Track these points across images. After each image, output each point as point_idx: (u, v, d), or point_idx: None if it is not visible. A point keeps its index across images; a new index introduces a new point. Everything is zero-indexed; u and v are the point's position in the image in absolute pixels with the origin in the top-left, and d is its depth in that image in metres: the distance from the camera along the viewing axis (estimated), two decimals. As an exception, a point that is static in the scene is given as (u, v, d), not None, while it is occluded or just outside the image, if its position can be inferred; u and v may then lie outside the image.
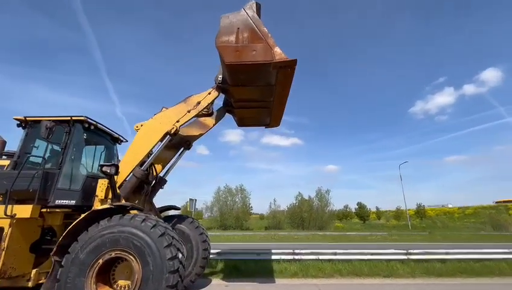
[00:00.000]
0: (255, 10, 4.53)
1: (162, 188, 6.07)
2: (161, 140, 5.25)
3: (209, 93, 5.37)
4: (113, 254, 3.66)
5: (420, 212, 52.10)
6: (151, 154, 5.33)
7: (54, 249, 3.81)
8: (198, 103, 5.31)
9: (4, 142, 5.69)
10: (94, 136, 5.62)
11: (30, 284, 4.34)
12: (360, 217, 54.12)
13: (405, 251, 8.86)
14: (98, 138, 5.82)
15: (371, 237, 21.44)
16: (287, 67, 4.19)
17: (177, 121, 5.20)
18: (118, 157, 6.49)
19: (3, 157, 5.36)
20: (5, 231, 4.15)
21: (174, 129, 5.14)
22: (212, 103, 5.55)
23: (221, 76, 5.16)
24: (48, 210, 4.59)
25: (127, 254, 3.66)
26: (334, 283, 6.66)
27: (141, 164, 5.13)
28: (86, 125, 5.13)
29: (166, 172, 6.16)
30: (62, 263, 3.61)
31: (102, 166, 4.42)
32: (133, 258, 3.63)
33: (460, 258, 8.64)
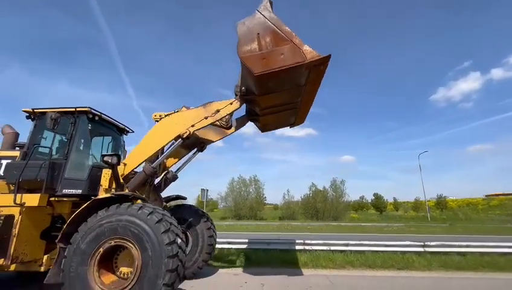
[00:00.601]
0: (271, 10, 4.15)
1: (173, 181, 6.02)
2: (174, 140, 5.16)
3: (231, 104, 5.05)
4: (112, 243, 3.68)
5: (441, 203, 50.07)
6: (163, 152, 5.35)
7: (59, 236, 3.89)
8: (218, 111, 5.02)
9: (17, 134, 5.88)
10: (100, 127, 5.66)
11: (42, 269, 4.49)
12: (376, 208, 52.90)
13: (422, 243, 8.47)
14: (104, 128, 5.85)
15: (387, 228, 20.86)
16: (320, 65, 3.89)
17: (192, 126, 4.99)
18: (124, 148, 6.54)
19: (17, 148, 5.53)
20: (16, 218, 4.29)
21: (187, 133, 4.95)
22: (231, 114, 5.29)
23: (244, 87, 4.77)
24: (56, 199, 4.70)
25: (125, 241, 3.67)
26: (345, 274, 6.47)
27: (151, 160, 5.15)
28: (90, 116, 5.15)
29: (178, 169, 6.15)
30: (65, 254, 3.68)
31: (103, 156, 4.44)
32: (132, 245, 3.64)
33: (482, 252, 8.14)
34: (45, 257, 4.58)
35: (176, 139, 5.08)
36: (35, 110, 5.12)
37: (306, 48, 3.84)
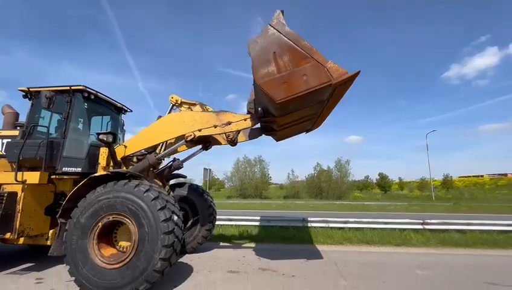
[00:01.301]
0: (285, 22, 3.63)
1: (177, 169, 5.99)
2: (177, 139, 5.12)
3: (245, 120, 4.75)
4: (110, 218, 3.79)
5: (447, 183, 49.89)
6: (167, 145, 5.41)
7: (59, 212, 4.03)
8: (229, 123, 4.75)
9: (17, 114, 5.94)
10: (97, 106, 5.64)
11: (48, 242, 4.72)
12: (381, 188, 53.19)
13: (421, 221, 8.53)
14: (102, 107, 5.83)
15: (389, 207, 21.05)
16: (348, 82, 3.55)
17: (199, 130, 4.81)
18: (123, 127, 6.56)
19: (17, 128, 5.60)
20: (19, 195, 4.44)
21: (192, 137, 4.84)
22: (240, 130, 4.98)
23: (260, 108, 4.38)
24: (57, 177, 4.81)
25: (123, 217, 3.77)
26: (341, 250, 6.62)
27: (155, 150, 5.25)
28: (86, 95, 5.11)
29: (183, 160, 6.11)
30: (66, 227, 3.83)
31: (99, 134, 4.46)
32: (130, 221, 3.74)
33: (482, 229, 8.15)
34: (50, 231, 4.79)
35: (179, 138, 5.05)
36: (30, 89, 5.11)
37: (331, 65, 3.42)
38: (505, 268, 5.26)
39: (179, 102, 5.77)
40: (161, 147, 5.96)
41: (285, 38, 3.54)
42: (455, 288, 4.11)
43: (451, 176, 52.07)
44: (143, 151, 5.31)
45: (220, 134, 5.22)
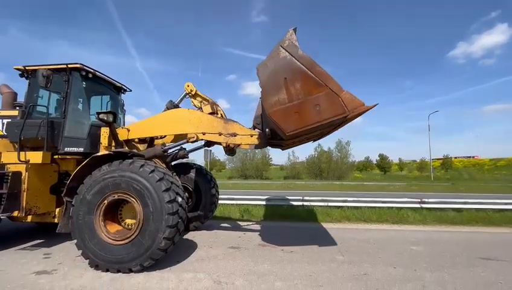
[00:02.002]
0: (298, 44, 3.31)
1: (181, 158, 5.95)
2: (179, 135, 5.08)
3: (251, 136, 4.60)
4: (116, 196, 3.87)
5: (446, 163, 50.22)
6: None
7: (64, 191, 4.12)
8: (235, 135, 4.64)
9: (15, 94, 5.87)
10: (96, 85, 5.55)
11: (56, 220, 4.87)
12: (381, 169, 53.70)
13: (419, 200, 8.70)
14: (101, 87, 5.75)
15: (388, 187, 21.38)
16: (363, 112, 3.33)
17: (203, 134, 4.74)
18: (123, 107, 6.51)
19: (17, 108, 5.57)
20: (23, 175, 4.51)
21: (194, 139, 4.80)
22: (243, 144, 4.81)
23: (268, 129, 4.13)
24: (60, 157, 4.86)
25: (128, 196, 3.85)
26: (339, 227, 6.82)
27: (164, 144, 5.27)
28: (84, 73, 5.02)
29: (189, 151, 6.04)
30: (73, 203, 3.93)
31: (99, 113, 4.43)
32: (135, 200, 3.83)
33: (479, 208, 8.33)
34: (57, 209, 4.92)
35: (183, 135, 5.01)
36: (26, 68, 5.01)
37: (346, 96, 3.18)
38: (499, 244, 5.43)
39: (193, 92, 5.56)
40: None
41: (298, 63, 3.28)
42: (449, 263, 4.27)
43: (451, 157, 52.31)
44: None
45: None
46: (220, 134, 4.66)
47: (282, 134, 3.67)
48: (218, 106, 5.58)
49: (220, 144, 5.22)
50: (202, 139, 4.89)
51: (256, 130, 4.73)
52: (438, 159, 52.75)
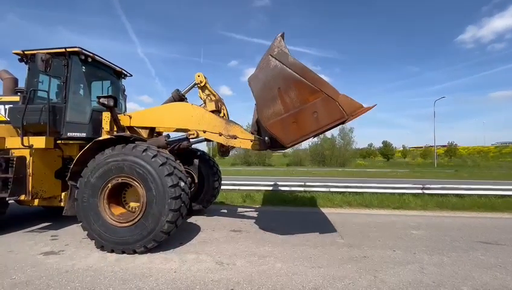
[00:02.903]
0: (287, 51, 3.17)
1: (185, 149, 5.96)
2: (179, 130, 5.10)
3: (251, 141, 4.52)
4: (119, 180, 3.92)
5: (450, 150, 49.81)
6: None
7: (68, 175, 4.18)
8: (235, 137, 4.58)
9: (16, 79, 5.85)
10: (96, 70, 5.50)
11: (62, 204, 4.96)
12: (384, 156, 53.52)
13: (421, 186, 8.69)
14: (101, 71, 5.70)
15: (391, 173, 21.39)
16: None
17: (204, 131, 4.72)
18: (124, 92, 6.47)
19: (18, 93, 5.56)
20: (28, 159, 4.56)
21: (194, 136, 4.81)
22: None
23: (267, 138, 4.04)
24: (63, 142, 4.90)
25: (131, 180, 3.90)
26: (340, 212, 6.89)
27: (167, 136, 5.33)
28: (83, 57, 4.96)
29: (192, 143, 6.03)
30: (77, 185, 3.99)
31: (99, 98, 4.41)
32: (138, 184, 3.88)
33: (481, 194, 8.32)
34: (63, 193, 5.00)
35: (183, 130, 5.00)
36: (25, 52, 4.97)
37: (343, 99, 3.09)
38: (500, 229, 5.46)
39: (202, 83, 5.44)
40: None
41: (290, 71, 3.17)
42: (449, 246, 4.31)
43: (455, 144, 51.82)
44: None
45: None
46: (220, 134, 4.67)
47: (282, 144, 3.65)
48: (223, 104, 5.50)
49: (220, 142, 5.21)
50: (202, 137, 4.91)
51: (255, 135, 4.67)
52: (442, 146, 52.33)
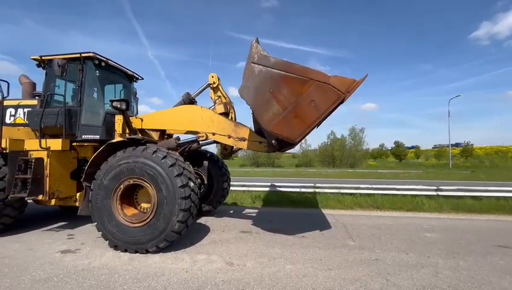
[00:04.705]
0: (267, 53, 3.26)
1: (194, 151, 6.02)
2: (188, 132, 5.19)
3: (260, 143, 4.58)
4: (131, 181, 4.01)
5: (466, 151, 48.12)
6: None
7: (83, 176, 4.31)
8: (244, 139, 4.62)
9: (34, 84, 6.10)
10: (109, 73, 5.66)
11: (77, 204, 5.13)
12: (396, 156, 52.32)
13: (435, 187, 8.46)
14: (113, 75, 5.86)
15: (403, 174, 20.88)
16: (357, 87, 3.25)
17: (213, 134, 4.79)
18: (136, 96, 6.62)
19: (36, 98, 5.79)
20: (45, 161, 4.74)
21: (204, 138, 4.88)
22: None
23: (273, 141, 4.08)
24: (78, 144, 5.07)
25: (143, 181, 3.98)
26: (351, 214, 6.79)
27: (178, 138, 5.35)
28: (97, 62, 5.12)
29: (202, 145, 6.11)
30: (91, 187, 4.12)
31: (112, 101, 4.54)
32: (149, 185, 3.96)
33: (499, 196, 8.00)
34: (78, 194, 5.18)
35: (193, 132, 5.07)
36: (43, 58, 5.17)
37: (334, 80, 3.12)
38: (519, 233, 5.23)
39: (215, 84, 5.46)
40: None
41: (275, 70, 3.21)
42: (465, 250, 4.18)
43: (471, 144, 50.04)
44: None
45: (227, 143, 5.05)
46: (229, 137, 4.70)
47: (290, 142, 3.66)
48: (232, 107, 5.54)
49: (227, 145, 5.24)
50: (211, 139, 4.95)
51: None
52: (457, 144, 50.66)
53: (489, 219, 6.40)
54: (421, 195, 8.19)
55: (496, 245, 4.42)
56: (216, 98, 5.53)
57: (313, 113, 3.27)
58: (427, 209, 7.20)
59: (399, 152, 51.88)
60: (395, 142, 53.82)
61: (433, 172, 23.42)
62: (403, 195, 8.22)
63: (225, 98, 5.52)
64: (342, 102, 3.37)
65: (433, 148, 59.13)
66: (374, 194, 8.37)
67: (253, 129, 4.89)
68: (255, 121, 4.49)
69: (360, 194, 8.41)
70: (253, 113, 4.13)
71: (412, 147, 60.62)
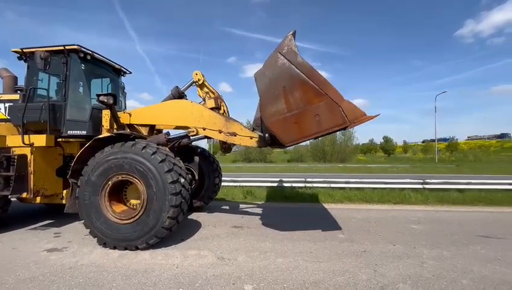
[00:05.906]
0: (297, 50, 3.14)
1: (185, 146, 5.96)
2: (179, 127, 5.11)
3: (251, 138, 4.48)
4: (120, 177, 3.93)
5: (451, 145, 49.71)
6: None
7: (69, 173, 4.20)
8: (234, 134, 4.54)
9: (15, 78, 5.85)
10: (95, 67, 5.49)
11: (64, 201, 4.99)
12: (385, 151, 53.50)
13: (421, 181, 8.71)
14: (100, 69, 5.68)
15: (391, 169, 21.38)
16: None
17: (203, 129, 4.70)
18: (124, 90, 6.47)
19: (18, 92, 5.56)
20: (29, 157, 4.58)
21: (194, 133, 4.79)
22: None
23: (268, 135, 4.05)
24: (64, 140, 4.91)
25: (132, 177, 3.91)
26: (341, 207, 6.91)
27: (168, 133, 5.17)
28: (82, 55, 4.94)
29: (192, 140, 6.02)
30: (78, 184, 4.01)
31: (99, 96, 4.42)
32: (138, 181, 3.89)
33: (482, 189, 8.33)
34: (64, 191, 5.03)
35: (183, 128, 4.99)
36: (24, 50, 4.96)
37: (346, 105, 3.05)
38: (500, 222, 5.47)
39: (200, 81, 5.43)
40: None
41: (297, 71, 3.14)
42: (449, 240, 4.33)
43: (456, 139, 51.71)
44: None
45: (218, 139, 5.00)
46: (220, 132, 4.66)
47: (281, 143, 3.66)
48: (223, 100, 5.48)
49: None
50: (202, 134, 4.89)
51: (256, 132, 4.67)
52: (443, 138, 52.21)
53: (472, 211, 6.66)
54: (408, 188, 8.42)
55: (477, 235, 4.60)
56: (204, 94, 5.48)
57: (314, 127, 3.27)
58: (414, 202, 7.42)
59: (388, 147, 53.04)
60: (384, 137, 54.98)
61: (419, 166, 24.08)
62: (391, 189, 8.43)
63: (213, 93, 5.46)
64: (344, 128, 3.37)
65: (422, 142, 60.68)
66: (363, 188, 8.55)
67: (244, 124, 4.88)
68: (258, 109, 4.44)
69: (350, 188, 8.57)
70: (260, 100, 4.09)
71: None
